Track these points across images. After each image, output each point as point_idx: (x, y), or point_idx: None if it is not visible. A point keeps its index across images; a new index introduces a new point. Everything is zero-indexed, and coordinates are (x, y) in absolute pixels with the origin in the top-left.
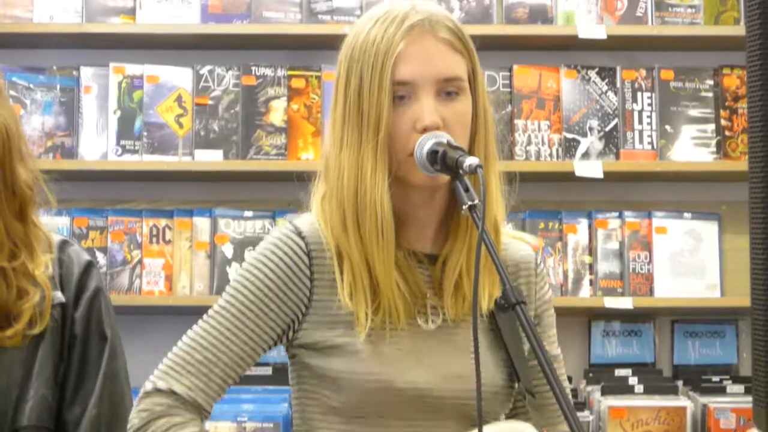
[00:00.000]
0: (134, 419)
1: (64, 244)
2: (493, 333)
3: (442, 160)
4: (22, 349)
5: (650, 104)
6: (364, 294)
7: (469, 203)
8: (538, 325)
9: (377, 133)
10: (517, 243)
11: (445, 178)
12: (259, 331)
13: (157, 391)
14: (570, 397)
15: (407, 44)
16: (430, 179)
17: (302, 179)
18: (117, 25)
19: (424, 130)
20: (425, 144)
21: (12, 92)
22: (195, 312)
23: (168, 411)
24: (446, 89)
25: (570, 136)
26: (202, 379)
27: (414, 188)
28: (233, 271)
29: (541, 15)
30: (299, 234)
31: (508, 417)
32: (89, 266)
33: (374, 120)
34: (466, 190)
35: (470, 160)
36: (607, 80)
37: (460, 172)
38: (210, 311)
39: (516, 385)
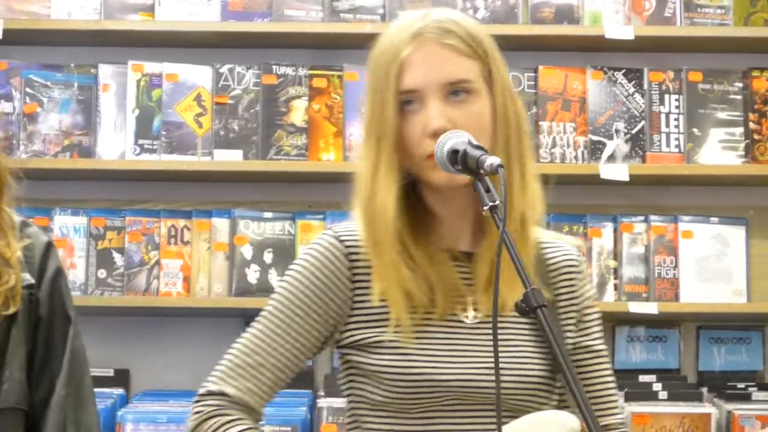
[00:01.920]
0: (190, 421)
1: (23, 225)
2: (535, 326)
3: (462, 159)
4: None
5: (678, 107)
6: (394, 291)
7: (490, 204)
8: (581, 321)
9: (388, 142)
10: (559, 243)
11: (464, 178)
12: (306, 333)
13: (210, 393)
14: (614, 391)
15: (410, 53)
16: (449, 179)
17: (324, 180)
18: (136, 22)
19: (434, 134)
20: (445, 143)
21: (29, 89)
22: (213, 314)
23: (219, 411)
24: (454, 91)
25: (596, 138)
26: (253, 381)
27: (438, 189)
28: (251, 272)
29: (567, 15)
30: (338, 239)
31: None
32: (49, 247)
33: (383, 129)
34: (487, 190)
35: (491, 160)
36: (633, 82)
37: (481, 172)
38: (259, 316)
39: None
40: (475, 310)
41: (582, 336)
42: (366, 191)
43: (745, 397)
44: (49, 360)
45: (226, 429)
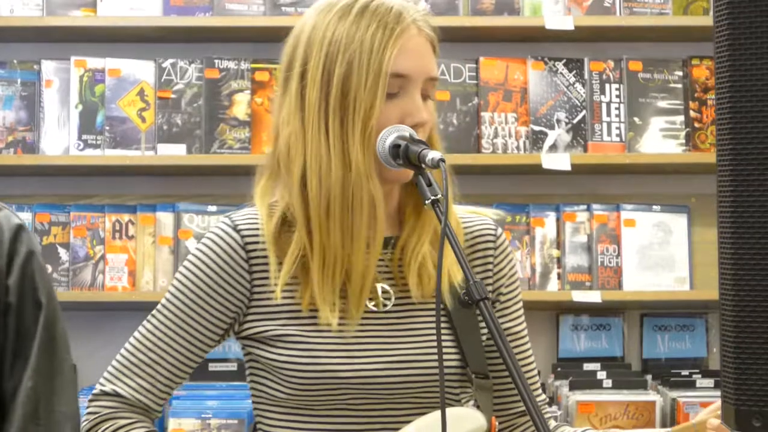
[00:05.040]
0: (84, 422)
1: None
2: (446, 316)
3: (404, 154)
4: None
5: (618, 96)
6: (333, 284)
7: (432, 198)
8: (497, 301)
9: (367, 123)
10: (475, 217)
11: (410, 174)
12: (201, 328)
13: (104, 394)
14: (534, 373)
15: (407, 39)
16: (399, 175)
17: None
18: (78, 18)
19: (416, 125)
20: (387, 138)
21: None
22: None
23: (113, 414)
24: (426, 89)
25: (537, 128)
26: (148, 380)
27: (382, 182)
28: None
29: (507, 6)
30: (235, 228)
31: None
32: (19, 230)
33: (364, 110)
34: (429, 184)
35: (433, 154)
36: (574, 72)
37: (423, 166)
38: (153, 311)
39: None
40: (385, 298)
41: (500, 317)
42: (339, 174)
43: (690, 385)
44: (20, 349)
45: None
